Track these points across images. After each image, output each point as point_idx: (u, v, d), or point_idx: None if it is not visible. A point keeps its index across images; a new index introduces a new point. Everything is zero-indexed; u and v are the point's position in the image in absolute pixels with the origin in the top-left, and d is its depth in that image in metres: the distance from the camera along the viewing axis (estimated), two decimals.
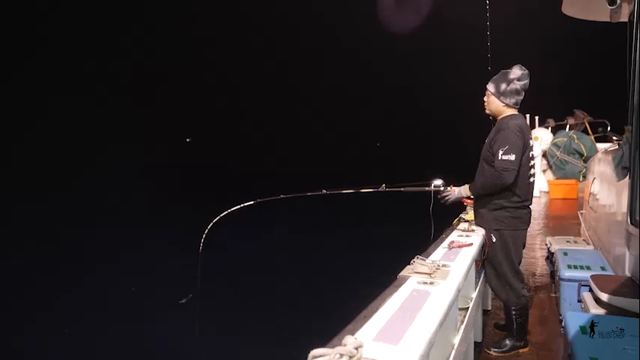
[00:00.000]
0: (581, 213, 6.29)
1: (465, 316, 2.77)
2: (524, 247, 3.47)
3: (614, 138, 6.84)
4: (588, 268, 3.77)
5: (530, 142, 3.33)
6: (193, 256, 3.81)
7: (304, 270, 9.59)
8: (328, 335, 1.51)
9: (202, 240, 3.73)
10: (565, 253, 4.23)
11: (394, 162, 30.81)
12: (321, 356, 1.28)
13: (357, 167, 27.98)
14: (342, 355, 1.28)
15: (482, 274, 3.53)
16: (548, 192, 11.42)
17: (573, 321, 2.50)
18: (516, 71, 3.27)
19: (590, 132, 12.26)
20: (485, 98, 3.42)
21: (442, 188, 3.61)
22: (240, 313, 7.32)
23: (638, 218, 3.08)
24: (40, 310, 7.80)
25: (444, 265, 2.42)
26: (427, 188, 3.65)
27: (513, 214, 3.28)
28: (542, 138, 11.88)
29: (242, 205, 3.94)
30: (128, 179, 24.14)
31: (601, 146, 10.54)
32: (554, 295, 4.41)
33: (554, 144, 12.01)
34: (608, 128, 11.69)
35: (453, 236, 3.26)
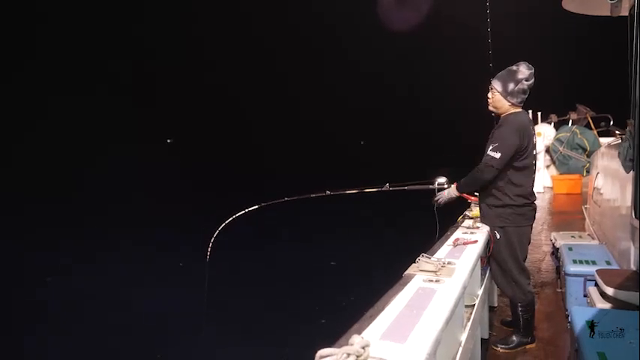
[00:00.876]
0: (586, 208, 6.27)
1: (471, 314, 2.76)
2: (529, 244, 3.46)
3: (617, 132, 6.81)
4: (594, 262, 3.76)
5: (534, 138, 3.31)
6: (198, 258, 3.83)
7: (309, 270, 9.60)
8: (335, 335, 1.51)
9: (210, 247, 3.76)
10: (570, 249, 4.22)
11: (394, 162, 30.78)
12: (328, 356, 1.29)
13: (358, 167, 28.03)
14: (349, 355, 1.28)
15: (488, 271, 3.53)
16: (552, 187, 11.39)
17: (579, 316, 2.49)
18: (524, 71, 3.18)
19: (592, 126, 12.24)
20: (489, 95, 3.33)
21: (446, 186, 3.60)
22: (246, 314, 7.32)
23: None
24: (40, 310, 7.82)
25: (449, 263, 2.43)
26: (431, 186, 3.65)
27: (517, 211, 3.26)
28: (545, 133, 11.88)
29: (247, 210, 3.96)
30: (128, 179, 24.23)
31: (604, 141, 10.50)
32: (560, 290, 4.40)
33: (557, 139, 11.99)
34: (611, 122, 11.69)
35: (458, 234, 3.27)
